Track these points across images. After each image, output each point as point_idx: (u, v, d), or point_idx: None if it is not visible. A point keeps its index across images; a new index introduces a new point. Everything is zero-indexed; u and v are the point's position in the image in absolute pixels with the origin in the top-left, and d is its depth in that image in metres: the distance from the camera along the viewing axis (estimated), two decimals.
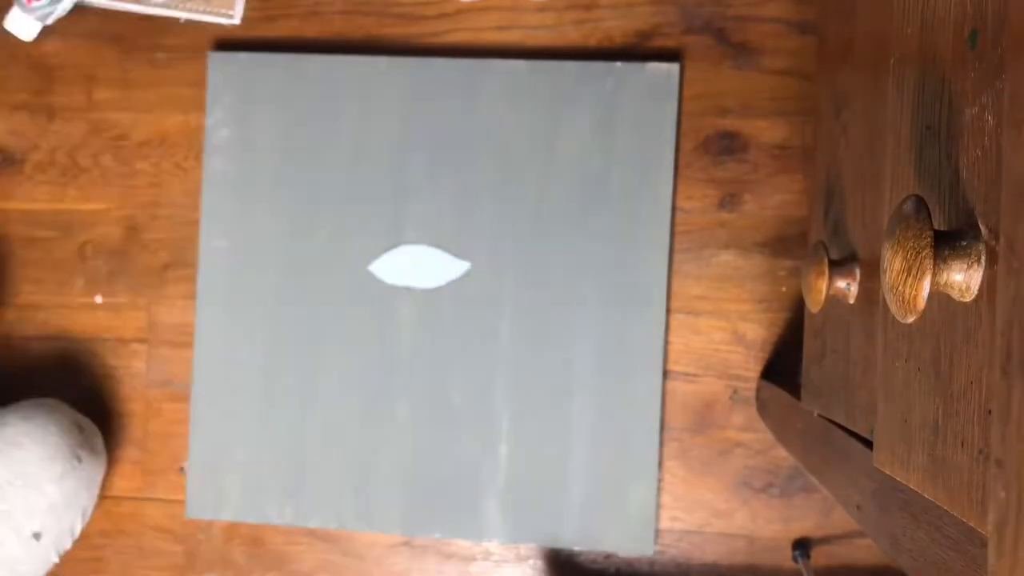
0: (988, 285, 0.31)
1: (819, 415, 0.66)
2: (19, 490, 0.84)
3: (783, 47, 0.91)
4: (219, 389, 0.95)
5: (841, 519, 0.91)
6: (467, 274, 0.92)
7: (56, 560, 0.88)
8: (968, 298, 0.32)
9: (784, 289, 0.92)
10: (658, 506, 0.92)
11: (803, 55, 0.91)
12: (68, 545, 0.90)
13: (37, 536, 0.85)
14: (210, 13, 0.96)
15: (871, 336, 0.51)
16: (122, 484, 0.98)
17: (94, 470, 0.91)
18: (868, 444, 0.51)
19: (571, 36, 0.93)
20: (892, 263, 0.33)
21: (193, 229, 0.97)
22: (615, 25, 0.93)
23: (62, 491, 0.86)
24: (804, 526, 0.91)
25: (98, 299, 0.98)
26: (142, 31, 0.98)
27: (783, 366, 0.91)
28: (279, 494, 0.94)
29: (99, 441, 0.94)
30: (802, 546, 0.91)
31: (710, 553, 0.92)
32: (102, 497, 0.98)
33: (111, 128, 0.98)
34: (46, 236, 0.99)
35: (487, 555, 0.94)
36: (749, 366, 0.92)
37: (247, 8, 0.96)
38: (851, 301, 0.55)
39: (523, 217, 0.92)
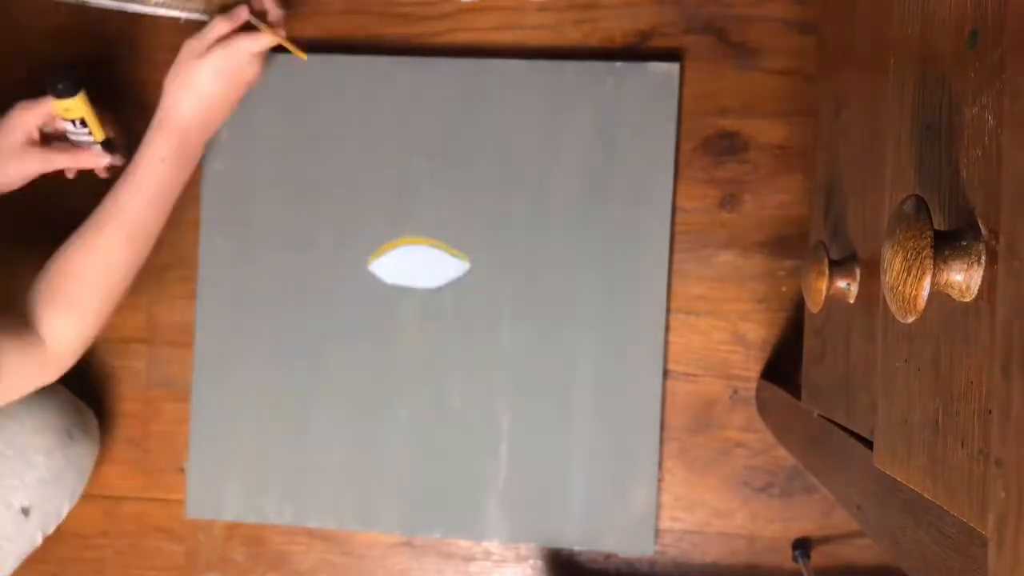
0: (988, 285, 0.31)
1: (819, 415, 0.66)
2: (9, 461, 0.83)
3: (783, 47, 0.91)
4: (219, 389, 0.95)
5: (841, 519, 0.90)
6: (467, 274, 0.92)
7: (39, 542, 0.88)
8: (968, 298, 0.32)
9: (784, 289, 0.92)
10: (658, 506, 0.92)
11: (803, 55, 0.91)
12: (53, 527, 0.89)
13: (26, 512, 0.84)
14: (211, 13, 0.95)
15: (871, 336, 0.51)
16: (122, 484, 0.98)
17: (86, 452, 0.91)
18: (868, 444, 0.51)
19: (571, 36, 0.93)
20: (892, 263, 0.33)
21: (193, 229, 0.97)
22: (615, 25, 0.93)
23: (51, 467, 0.86)
24: (804, 526, 0.91)
25: None
26: (142, 31, 0.98)
27: (783, 366, 0.91)
28: (279, 494, 0.94)
29: (94, 425, 0.93)
30: (802, 546, 0.91)
31: (710, 553, 0.92)
32: (103, 497, 0.98)
33: None
34: (46, 236, 0.99)
35: (487, 555, 0.94)
36: (749, 366, 0.92)
37: None
38: (851, 301, 0.55)
39: (523, 217, 0.92)
